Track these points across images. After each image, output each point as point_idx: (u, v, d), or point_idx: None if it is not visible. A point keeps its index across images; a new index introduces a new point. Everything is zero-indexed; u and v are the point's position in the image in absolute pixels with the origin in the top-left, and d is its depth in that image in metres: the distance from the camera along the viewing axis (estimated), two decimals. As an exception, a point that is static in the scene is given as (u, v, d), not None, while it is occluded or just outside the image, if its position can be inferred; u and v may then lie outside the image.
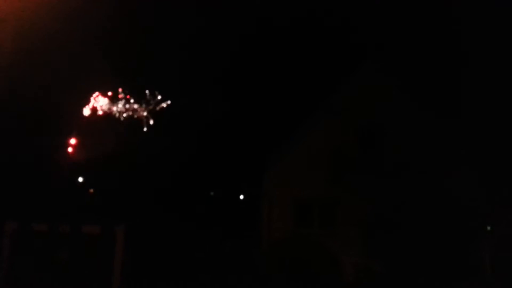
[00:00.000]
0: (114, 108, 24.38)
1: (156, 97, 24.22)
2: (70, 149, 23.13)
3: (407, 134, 16.56)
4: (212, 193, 23.41)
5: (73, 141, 23.15)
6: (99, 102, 24.54)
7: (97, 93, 24.24)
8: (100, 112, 24.32)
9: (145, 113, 24.01)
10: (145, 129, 23.99)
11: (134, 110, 24.33)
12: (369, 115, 16.87)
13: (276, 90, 22.16)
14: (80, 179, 22.74)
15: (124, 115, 24.32)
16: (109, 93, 24.53)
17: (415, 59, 20.56)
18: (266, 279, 13.73)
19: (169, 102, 23.52)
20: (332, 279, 13.49)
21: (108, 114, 24.61)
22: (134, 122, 24.56)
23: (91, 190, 22.50)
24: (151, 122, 23.94)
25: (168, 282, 13.23)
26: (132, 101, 24.76)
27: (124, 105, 24.61)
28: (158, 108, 23.94)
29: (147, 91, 23.97)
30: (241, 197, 22.44)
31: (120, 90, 24.55)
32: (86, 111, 24.22)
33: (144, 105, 24.18)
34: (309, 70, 22.36)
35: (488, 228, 15.66)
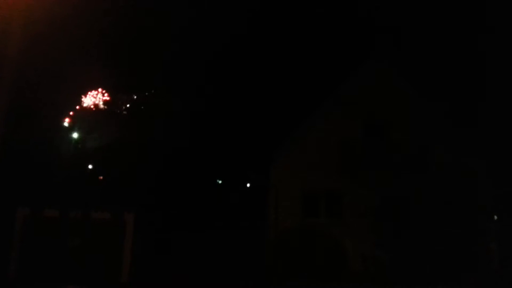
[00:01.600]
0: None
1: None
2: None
3: (414, 126, 16.55)
4: (219, 181, 23.55)
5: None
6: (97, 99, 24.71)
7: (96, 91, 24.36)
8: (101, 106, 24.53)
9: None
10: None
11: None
12: (376, 106, 16.87)
13: (285, 81, 22.16)
14: (90, 167, 22.98)
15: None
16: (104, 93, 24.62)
17: (423, 50, 20.50)
18: (274, 268, 13.88)
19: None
20: (339, 268, 13.61)
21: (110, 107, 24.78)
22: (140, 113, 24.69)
23: (101, 177, 22.70)
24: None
25: (176, 268, 13.44)
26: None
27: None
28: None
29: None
30: (248, 185, 22.58)
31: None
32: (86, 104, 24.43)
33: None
34: (317, 62, 22.32)
35: (495, 217, 15.68)
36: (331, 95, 17.88)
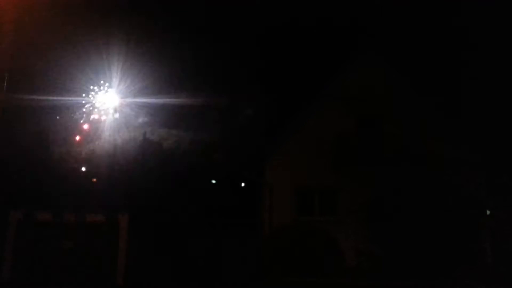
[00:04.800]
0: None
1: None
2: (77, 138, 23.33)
3: (407, 120, 16.62)
4: (213, 181, 23.55)
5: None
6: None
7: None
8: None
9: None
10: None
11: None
12: (369, 101, 16.91)
13: (276, 77, 22.13)
14: (83, 169, 22.89)
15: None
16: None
17: (415, 45, 20.52)
18: (269, 265, 13.89)
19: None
20: (334, 265, 13.64)
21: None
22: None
23: (94, 180, 22.61)
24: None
25: (170, 269, 13.41)
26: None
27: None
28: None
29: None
30: (242, 185, 22.58)
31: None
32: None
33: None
34: (308, 57, 22.29)
35: (488, 212, 15.77)
36: (323, 91, 17.93)
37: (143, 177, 20.01)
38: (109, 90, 24.15)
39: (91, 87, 23.52)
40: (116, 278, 12.57)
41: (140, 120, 23.90)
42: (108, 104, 24.30)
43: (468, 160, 15.95)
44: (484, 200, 15.59)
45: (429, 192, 15.05)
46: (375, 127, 17.05)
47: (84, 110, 24.14)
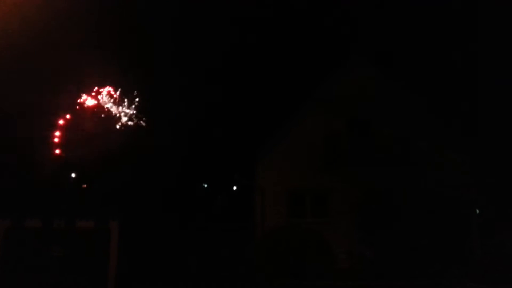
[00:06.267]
0: (117, 108, 24.40)
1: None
2: (56, 147, 23.06)
3: (397, 122, 16.71)
4: (205, 185, 23.54)
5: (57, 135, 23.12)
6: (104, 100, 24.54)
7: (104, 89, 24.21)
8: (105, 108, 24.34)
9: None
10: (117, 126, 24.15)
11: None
12: (359, 103, 16.99)
13: (267, 81, 22.21)
14: (73, 175, 22.74)
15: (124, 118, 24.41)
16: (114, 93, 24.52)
17: (404, 47, 20.70)
18: (261, 268, 13.89)
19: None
20: (326, 266, 13.65)
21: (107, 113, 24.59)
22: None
23: (84, 186, 22.47)
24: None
25: (163, 275, 13.35)
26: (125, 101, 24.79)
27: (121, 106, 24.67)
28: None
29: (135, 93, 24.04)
30: (234, 188, 22.57)
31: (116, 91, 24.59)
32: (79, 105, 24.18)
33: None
34: (299, 60, 22.40)
35: (477, 211, 15.92)
36: (313, 93, 17.97)
37: (134, 183, 19.94)
38: (108, 96, 24.08)
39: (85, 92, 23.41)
40: (107, 285, 12.46)
41: (134, 125, 23.80)
42: (107, 108, 24.18)
43: (458, 161, 16.08)
44: (474, 200, 15.72)
45: (419, 193, 15.15)
46: (365, 129, 17.13)
47: (75, 114, 23.97)
